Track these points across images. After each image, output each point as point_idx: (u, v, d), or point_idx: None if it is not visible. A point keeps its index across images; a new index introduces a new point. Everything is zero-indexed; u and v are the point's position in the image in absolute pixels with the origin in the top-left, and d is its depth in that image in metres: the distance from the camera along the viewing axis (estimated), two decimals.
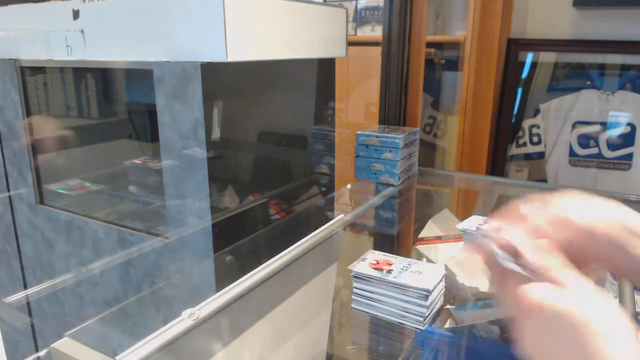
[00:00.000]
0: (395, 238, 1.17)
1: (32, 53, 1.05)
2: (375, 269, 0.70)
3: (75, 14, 0.92)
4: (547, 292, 0.39)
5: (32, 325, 1.22)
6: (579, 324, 0.36)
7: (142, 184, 1.09)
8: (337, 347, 1.02)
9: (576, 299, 0.38)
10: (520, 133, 1.67)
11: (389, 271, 0.69)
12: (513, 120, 1.69)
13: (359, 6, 1.92)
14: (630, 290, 0.67)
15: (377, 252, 0.77)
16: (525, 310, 0.40)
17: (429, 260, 0.82)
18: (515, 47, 1.65)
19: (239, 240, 0.90)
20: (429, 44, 1.68)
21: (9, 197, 1.21)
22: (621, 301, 0.65)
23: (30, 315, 1.19)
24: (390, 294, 0.67)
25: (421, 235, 0.96)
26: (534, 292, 0.40)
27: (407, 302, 0.66)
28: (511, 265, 0.42)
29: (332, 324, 0.98)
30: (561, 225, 0.45)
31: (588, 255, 0.45)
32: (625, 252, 0.44)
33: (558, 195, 0.47)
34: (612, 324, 0.36)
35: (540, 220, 0.46)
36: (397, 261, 0.73)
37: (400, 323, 0.67)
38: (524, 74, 1.67)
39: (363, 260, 0.74)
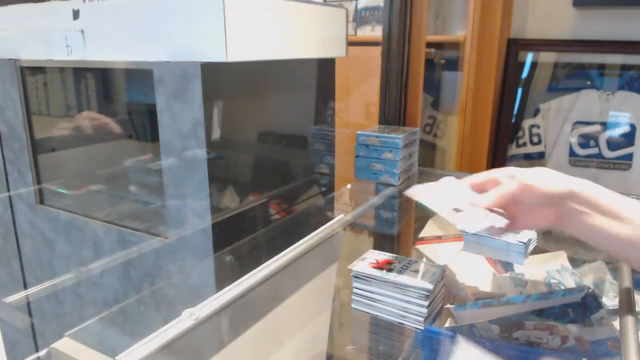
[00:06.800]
0: (395, 238, 1.17)
1: (32, 53, 1.05)
2: (375, 268, 0.70)
3: (75, 14, 0.92)
4: None
5: (32, 325, 1.22)
6: None
7: (142, 184, 1.09)
8: (337, 347, 1.02)
9: None
10: (520, 133, 1.67)
11: (389, 270, 0.69)
12: (513, 120, 1.69)
13: (359, 6, 1.92)
14: (631, 290, 0.67)
15: (377, 252, 0.77)
16: None
17: (429, 260, 0.82)
18: (515, 47, 1.65)
19: (239, 240, 0.90)
20: (429, 44, 1.68)
21: (9, 197, 1.21)
22: (621, 301, 0.65)
23: (30, 315, 1.19)
24: (390, 294, 0.67)
25: (421, 235, 0.96)
26: None
27: (407, 302, 0.65)
28: None
29: (332, 324, 0.98)
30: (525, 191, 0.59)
31: (534, 212, 0.60)
32: (573, 216, 0.58)
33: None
34: None
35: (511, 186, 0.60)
36: (397, 260, 0.73)
37: (400, 323, 0.67)
38: (524, 74, 1.66)
39: (363, 260, 0.74)
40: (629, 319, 0.58)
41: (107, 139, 1.15)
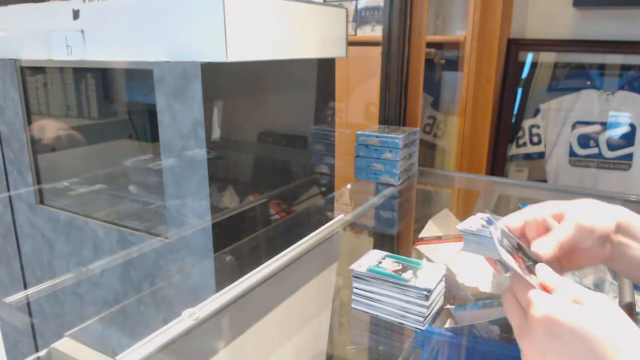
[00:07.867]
0: (395, 238, 1.17)
1: (32, 53, 1.05)
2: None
3: (75, 14, 0.92)
4: (555, 305, 0.39)
5: (32, 325, 1.22)
6: (589, 339, 0.36)
7: (142, 184, 1.09)
8: (337, 347, 1.02)
9: (586, 312, 0.37)
10: (520, 133, 1.67)
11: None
12: (513, 120, 1.69)
13: (359, 6, 1.92)
14: (630, 290, 0.67)
15: (377, 252, 0.77)
16: (533, 324, 0.39)
17: (429, 260, 0.82)
18: (515, 47, 1.65)
19: (239, 240, 0.90)
20: (429, 44, 1.68)
21: (9, 197, 1.21)
22: (621, 301, 0.65)
23: (30, 315, 1.19)
24: (390, 294, 0.67)
25: (421, 235, 0.96)
26: (542, 305, 0.39)
27: (407, 302, 0.65)
28: (506, 258, 0.43)
29: (332, 324, 0.98)
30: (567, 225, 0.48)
31: (588, 252, 0.50)
32: (620, 251, 0.49)
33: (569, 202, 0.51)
34: (624, 338, 0.36)
35: (548, 218, 0.50)
36: (398, 261, 0.73)
37: (400, 323, 0.67)
38: (524, 74, 1.66)
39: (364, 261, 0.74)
40: None
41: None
